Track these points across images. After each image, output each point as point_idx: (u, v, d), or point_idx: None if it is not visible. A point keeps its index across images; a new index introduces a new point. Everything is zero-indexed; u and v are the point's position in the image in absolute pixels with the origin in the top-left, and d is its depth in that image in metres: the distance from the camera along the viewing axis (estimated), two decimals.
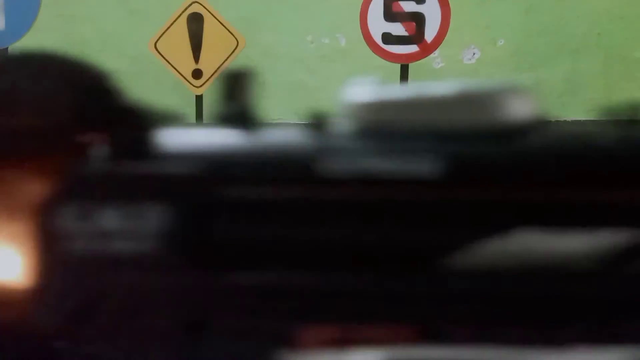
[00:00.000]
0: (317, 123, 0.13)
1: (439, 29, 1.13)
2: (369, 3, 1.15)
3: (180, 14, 1.31)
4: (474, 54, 1.35)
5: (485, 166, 0.12)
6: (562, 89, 1.32)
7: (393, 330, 0.12)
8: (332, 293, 0.12)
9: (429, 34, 1.13)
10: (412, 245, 0.12)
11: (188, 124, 0.15)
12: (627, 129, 0.13)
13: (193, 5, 1.31)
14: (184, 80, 1.32)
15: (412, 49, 1.14)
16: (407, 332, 0.12)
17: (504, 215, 0.12)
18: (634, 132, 0.13)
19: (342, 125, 0.13)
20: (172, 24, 1.31)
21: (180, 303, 0.12)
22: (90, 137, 0.12)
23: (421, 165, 0.12)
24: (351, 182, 0.12)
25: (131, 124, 0.12)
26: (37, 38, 1.53)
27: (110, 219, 0.12)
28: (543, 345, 0.12)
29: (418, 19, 1.14)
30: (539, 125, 0.13)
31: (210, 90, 1.36)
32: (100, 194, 0.12)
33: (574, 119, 1.31)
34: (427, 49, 1.14)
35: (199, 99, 1.34)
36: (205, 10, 1.31)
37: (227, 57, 1.32)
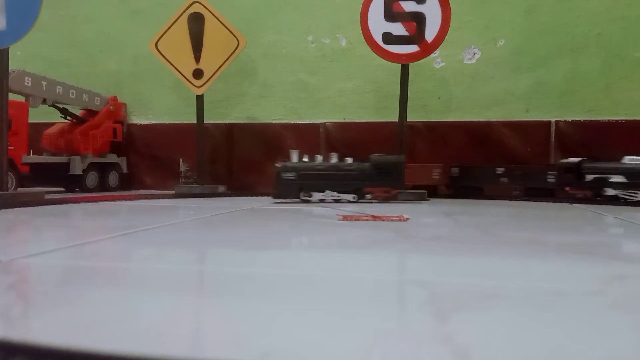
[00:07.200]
0: None
1: (440, 29, 1.13)
2: (370, 3, 1.15)
3: (181, 14, 1.31)
4: (474, 53, 1.35)
5: None
6: (562, 89, 1.32)
7: None
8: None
9: (430, 34, 1.14)
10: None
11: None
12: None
13: (194, 5, 1.31)
14: (185, 80, 1.32)
15: (413, 48, 1.15)
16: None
17: None
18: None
19: None
20: (173, 24, 1.31)
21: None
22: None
23: None
24: None
25: None
26: (38, 38, 1.53)
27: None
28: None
29: (418, 19, 1.14)
30: None
31: (210, 90, 1.36)
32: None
33: (574, 119, 1.31)
34: (427, 49, 1.14)
35: (199, 98, 1.35)
36: (206, 10, 1.31)
37: (228, 57, 1.32)
